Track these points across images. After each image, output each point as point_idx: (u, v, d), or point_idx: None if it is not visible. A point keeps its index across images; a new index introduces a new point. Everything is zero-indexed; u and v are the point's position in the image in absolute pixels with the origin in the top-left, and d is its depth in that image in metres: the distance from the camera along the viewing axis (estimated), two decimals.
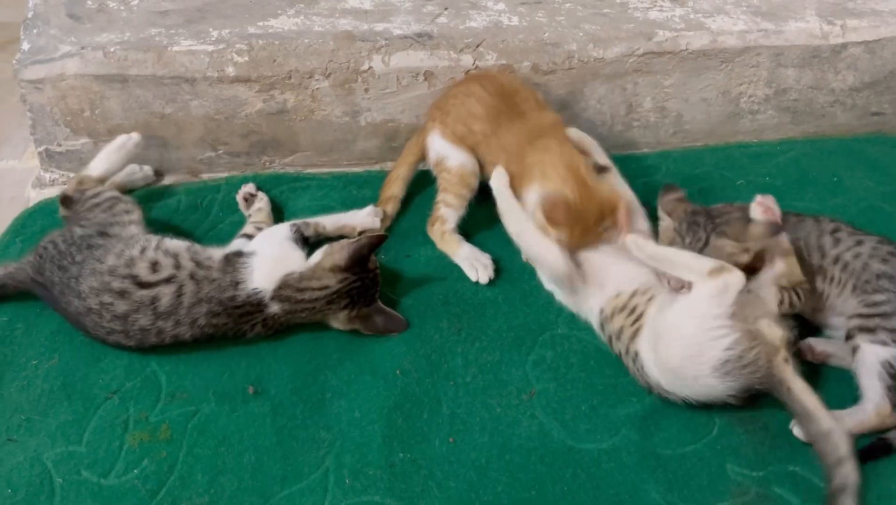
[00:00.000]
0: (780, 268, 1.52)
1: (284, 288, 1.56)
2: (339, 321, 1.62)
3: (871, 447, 1.44)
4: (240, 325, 1.57)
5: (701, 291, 1.43)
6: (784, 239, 1.57)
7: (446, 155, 1.80)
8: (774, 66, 2.02)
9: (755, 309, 1.45)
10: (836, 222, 1.64)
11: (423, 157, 1.88)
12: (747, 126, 2.13)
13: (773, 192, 1.93)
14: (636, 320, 1.53)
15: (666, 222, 1.66)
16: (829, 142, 2.13)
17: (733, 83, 2.04)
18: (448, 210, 1.79)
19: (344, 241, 1.62)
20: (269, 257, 1.60)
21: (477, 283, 1.74)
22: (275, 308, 1.57)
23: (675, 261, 1.51)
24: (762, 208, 1.58)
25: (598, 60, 1.93)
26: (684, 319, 1.43)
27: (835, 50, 2.02)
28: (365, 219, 1.80)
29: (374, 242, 1.60)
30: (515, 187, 1.69)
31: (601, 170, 1.69)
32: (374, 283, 1.62)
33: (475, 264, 1.75)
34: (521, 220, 1.64)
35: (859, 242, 1.58)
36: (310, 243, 1.71)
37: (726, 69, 2.01)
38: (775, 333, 1.43)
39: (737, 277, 1.41)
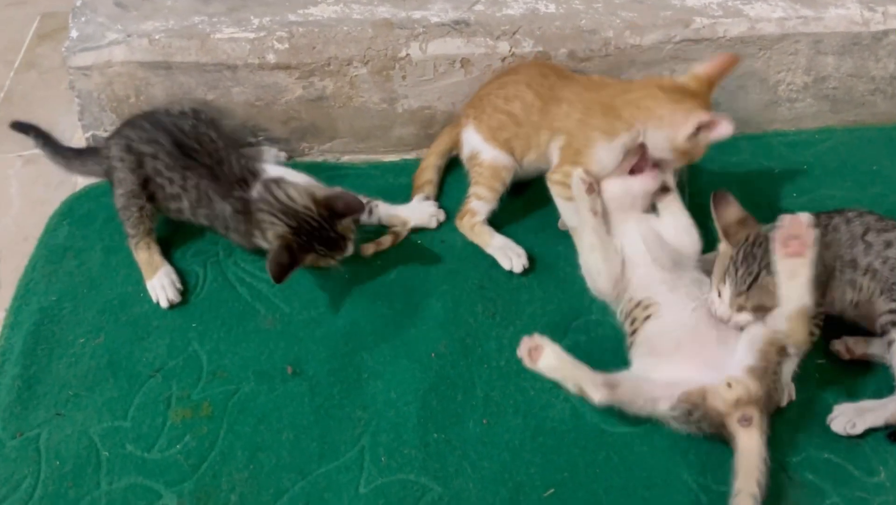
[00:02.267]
0: (781, 325, 1.43)
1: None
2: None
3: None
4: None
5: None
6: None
7: (480, 149, 1.82)
8: (814, 54, 2.00)
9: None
10: (864, 217, 1.57)
11: (454, 148, 1.91)
12: (785, 114, 2.11)
13: (811, 181, 1.96)
14: (632, 333, 1.55)
15: (723, 245, 1.52)
16: (869, 130, 2.11)
17: (771, 71, 2.02)
18: (479, 203, 1.80)
19: None
20: None
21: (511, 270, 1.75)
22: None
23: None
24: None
25: (635, 47, 1.93)
26: None
27: (875, 37, 2.00)
28: (422, 215, 1.84)
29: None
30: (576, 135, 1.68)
31: (663, 190, 1.67)
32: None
33: (509, 253, 1.75)
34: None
35: (888, 244, 1.53)
36: None
37: (764, 57, 1.99)
38: (730, 395, 1.39)
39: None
